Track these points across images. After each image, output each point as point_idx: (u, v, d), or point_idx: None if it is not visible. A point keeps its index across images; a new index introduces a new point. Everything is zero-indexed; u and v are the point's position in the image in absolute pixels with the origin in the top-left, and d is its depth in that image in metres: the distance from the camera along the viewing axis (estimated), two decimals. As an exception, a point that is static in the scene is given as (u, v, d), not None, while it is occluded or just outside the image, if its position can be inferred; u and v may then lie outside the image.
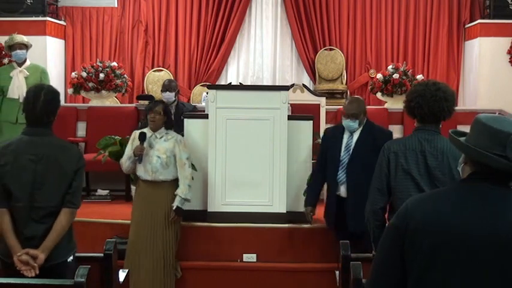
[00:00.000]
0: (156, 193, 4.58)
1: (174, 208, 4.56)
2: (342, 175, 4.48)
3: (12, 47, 6.10)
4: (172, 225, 4.61)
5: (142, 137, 4.54)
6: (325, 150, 4.64)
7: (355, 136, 4.48)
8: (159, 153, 4.55)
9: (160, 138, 4.61)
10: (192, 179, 5.11)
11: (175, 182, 4.62)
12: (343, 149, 4.49)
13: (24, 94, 5.77)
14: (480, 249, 1.73)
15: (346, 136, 4.51)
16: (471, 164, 1.86)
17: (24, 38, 6.17)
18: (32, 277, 2.92)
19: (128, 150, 4.64)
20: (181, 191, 4.58)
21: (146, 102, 7.04)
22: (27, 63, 6.14)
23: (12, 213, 3.01)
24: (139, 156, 4.53)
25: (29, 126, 3.11)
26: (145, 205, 4.59)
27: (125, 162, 4.64)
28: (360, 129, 4.48)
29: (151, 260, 4.53)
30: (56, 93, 3.15)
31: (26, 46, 6.13)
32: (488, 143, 1.79)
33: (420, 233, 1.78)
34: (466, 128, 1.97)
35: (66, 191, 3.03)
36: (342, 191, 4.51)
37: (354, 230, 4.34)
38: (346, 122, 4.46)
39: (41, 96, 3.06)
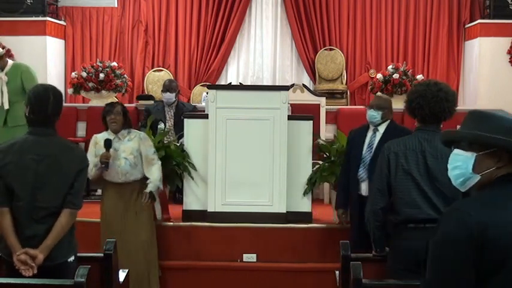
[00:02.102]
0: (125, 194, 4.50)
1: (147, 191, 4.41)
2: (362, 172, 4.41)
3: None
4: (144, 225, 4.53)
5: (107, 143, 4.38)
6: (349, 150, 4.58)
7: (378, 135, 4.45)
8: (125, 154, 4.43)
9: (124, 138, 4.49)
10: (192, 178, 5.12)
11: (143, 180, 4.52)
12: (365, 146, 4.45)
13: (5, 100, 5.64)
14: None
15: (369, 134, 4.47)
16: (509, 163, 1.76)
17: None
18: (30, 276, 2.92)
19: (91, 156, 4.43)
20: (154, 179, 4.44)
21: (146, 102, 7.08)
22: (8, 65, 5.77)
23: (13, 213, 3.01)
24: (106, 164, 4.38)
25: (34, 127, 3.09)
26: (115, 207, 4.52)
27: (91, 170, 4.37)
28: (384, 128, 4.46)
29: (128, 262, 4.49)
30: (60, 92, 3.16)
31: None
32: None
33: (498, 241, 1.69)
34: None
35: (67, 191, 3.01)
36: (363, 189, 4.44)
37: None
38: (369, 112, 4.42)
39: (50, 97, 3.05)
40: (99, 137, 4.51)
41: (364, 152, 4.44)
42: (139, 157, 4.47)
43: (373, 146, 4.42)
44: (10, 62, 5.88)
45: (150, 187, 4.45)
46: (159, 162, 4.57)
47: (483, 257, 1.69)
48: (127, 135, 4.50)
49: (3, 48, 6.02)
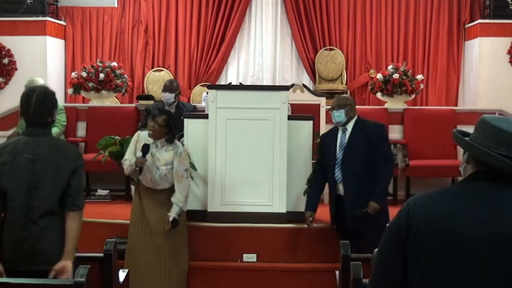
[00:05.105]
0: (154, 198, 4.56)
1: (170, 219, 4.46)
2: (338, 173, 4.53)
3: None
4: (168, 230, 4.53)
5: (145, 149, 4.42)
6: (322, 153, 4.72)
7: (347, 133, 4.54)
8: (159, 163, 4.48)
9: (162, 148, 4.52)
10: (192, 178, 5.13)
11: (173, 188, 4.56)
12: (337, 148, 4.55)
13: None
14: (481, 249, 1.72)
15: (339, 134, 4.58)
16: (474, 163, 1.86)
17: (41, 81, 6.14)
18: (27, 276, 2.92)
19: (130, 153, 4.55)
20: (177, 200, 4.48)
21: (146, 102, 7.08)
22: None
23: (8, 213, 3.01)
24: (140, 168, 4.45)
25: (28, 127, 3.12)
26: (143, 208, 4.57)
27: (127, 168, 4.55)
28: (352, 125, 4.54)
29: (153, 262, 4.51)
30: (48, 94, 3.14)
31: None
32: (493, 142, 1.79)
33: (422, 234, 1.78)
34: (465, 128, 1.97)
35: (63, 191, 3.01)
36: (340, 189, 4.54)
37: (352, 227, 4.40)
38: (333, 114, 4.57)
39: (33, 98, 3.06)
40: (142, 136, 4.55)
41: (337, 153, 4.51)
42: (171, 169, 4.49)
43: (344, 146, 4.49)
44: None
45: (172, 212, 4.47)
46: (187, 182, 4.58)
47: (413, 247, 1.79)
48: (165, 146, 4.52)
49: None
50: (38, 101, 3.06)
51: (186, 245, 4.75)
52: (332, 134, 4.67)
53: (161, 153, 4.50)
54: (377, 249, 1.94)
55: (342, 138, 4.55)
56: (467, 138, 1.89)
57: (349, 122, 4.54)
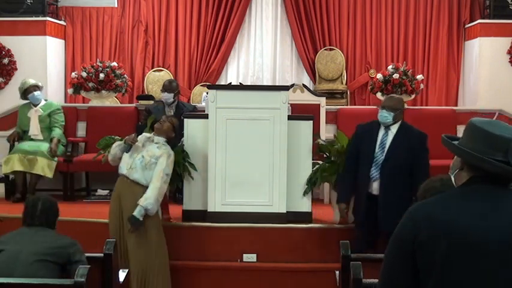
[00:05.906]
0: (128, 192, 4.52)
1: (129, 216, 4.40)
2: (375, 172, 4.44)
3: (27, 90, 6.39)
4: (144, 226, 4.47)
5: (139, 128, 4.63)
6: (357, 146, 4.59)
7: (391, 134, 4.46)
8: (145, 153, 4.56)
9: (155, 143, 4.64)
10: (192, 179, 5.13)
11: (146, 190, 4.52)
12: (377, 145, 4.46)
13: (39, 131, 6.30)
14: (486, 252, 1.72)
15: (381, 133, 4.48)
16: (468, 169, 1.84)
17: (32, 81, 6.48)
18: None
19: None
20: (143, 199, 4.39)
21: (146, 102, 7.08)
22: (42, 102, 6.48)
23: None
24: (129, 146, 4.55)
25: (27, 227, 3.40)
26: (118, 203, 4.58)
27: (114, 148, 4.68)
28: (396, 128, 4.47)
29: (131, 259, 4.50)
30: (52, 202, 3.47)
31: (38, 87, 6.46)
32: (487, 148, 1.78)
33: (428, 240, 1.76)
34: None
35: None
36: (374, 188, 4.46)
37: (385, 230, 4.35)
38: (381, 113, 4.44)
39: (38, 205, 3.38)
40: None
41: (376, 151, 4.44)
42: (154, 166, 4.50)
43: (385, 146, 4.43)
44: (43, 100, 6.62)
45: (136, 210, 4.40)
46: (165, 187, 4.55)
47: (423, 253, 1.77)
48: (159, 143, 4.64)
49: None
50: (43, 208, 3.37)
51: (162, 247, 4.61)
52: (371, 129, 4.54)
53: (152, 147, 4.61)
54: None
55: (384, 137, 4.46)
56: (455, 142, 1.88)
57: (393, 124, 4.47)
